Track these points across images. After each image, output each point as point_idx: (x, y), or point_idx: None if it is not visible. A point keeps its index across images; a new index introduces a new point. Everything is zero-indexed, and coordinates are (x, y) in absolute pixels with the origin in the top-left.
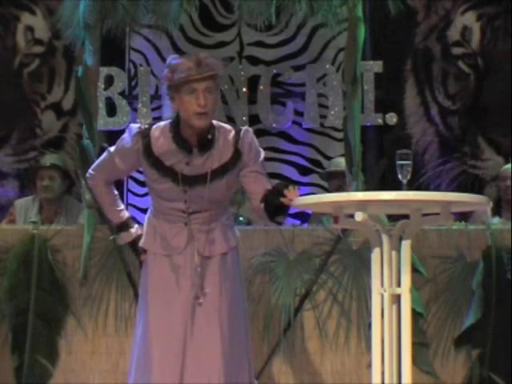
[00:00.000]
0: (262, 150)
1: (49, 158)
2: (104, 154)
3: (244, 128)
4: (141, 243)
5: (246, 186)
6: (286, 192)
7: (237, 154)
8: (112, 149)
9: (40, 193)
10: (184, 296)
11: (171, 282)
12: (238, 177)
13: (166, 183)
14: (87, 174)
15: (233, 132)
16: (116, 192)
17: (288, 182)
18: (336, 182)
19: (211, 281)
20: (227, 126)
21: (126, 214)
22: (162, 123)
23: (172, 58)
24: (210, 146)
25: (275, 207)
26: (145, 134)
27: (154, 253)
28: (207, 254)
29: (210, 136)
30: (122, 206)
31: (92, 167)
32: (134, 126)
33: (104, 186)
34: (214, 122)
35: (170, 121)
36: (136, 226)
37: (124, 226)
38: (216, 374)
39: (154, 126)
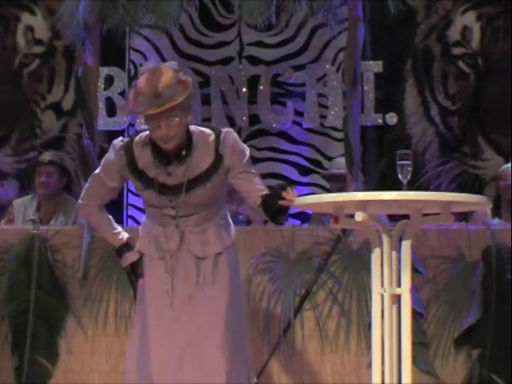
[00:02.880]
0: (246, 147)
1: (47, 155)
2: (90, 180)
3: (224, 130)
4: (137, 247)
5: (238, 186)
6: (284, 194)
7: (218, 158)
8: (97, 171)
9: (38, 189)
10: (180, 297)
11: (166, 285)
12: (224, 178)
13: (151, 193)
14: (77, 206)
15: (213, 136)
16: (110, 216)
17: (288, 182)
18: (338, 184)
19: (206, 281)
20: (207, 131)
21: (125, 235)
22: (143, 134)
23: (142, 73)
24: (189, 155)
25: (275, 210)
26: (127, 148)
27: (149, 256)
28: (201, 254)
29: (183, 152)
30: (120, 228)
31: (81, 197)
32: (117, 141)
33: (97, 213)
34: (192, 127)
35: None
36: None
37: (127, 246)
38: (216, 374)
39: (136, 138)
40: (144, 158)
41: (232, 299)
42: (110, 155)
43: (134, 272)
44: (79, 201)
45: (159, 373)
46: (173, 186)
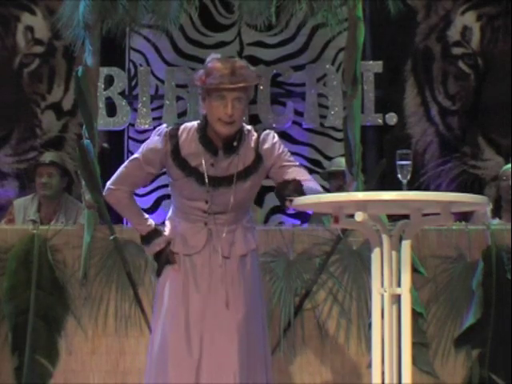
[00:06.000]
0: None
1: (48, 156)
2: (127, 164)
3: (264, 132)
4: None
5: (279, 179)
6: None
7: (258, 158)
8: (137, 155)
9: (39, 190)
10: (202, 296)
11: (190, 282)
12: (261, 179)
13: (190, 182)
14: (106, 191)
15: (255, 136)
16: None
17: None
18: (337, 181)
19: (231, 280)
20: (252, 130)
21: (153, 222)
22: (189, 124)
23: (209, 60)
24: (236, 150)
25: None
26: (173, 135)
27: (176, 252)
28: (226, 254)
29: (235, 143)
30: (147, 215)
31: (112, 182)
32: (163, 127)
33: (128, 199)
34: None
35: (197, 122)
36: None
37: (156, 233)
38: (232, 375)
39: (182, 127)
40: (188, 146)
41: (254, 302)
42: (155, 141)
43: (162, 258)
44: (109, 185)
45: (176, 372)
46: (215, 178)
